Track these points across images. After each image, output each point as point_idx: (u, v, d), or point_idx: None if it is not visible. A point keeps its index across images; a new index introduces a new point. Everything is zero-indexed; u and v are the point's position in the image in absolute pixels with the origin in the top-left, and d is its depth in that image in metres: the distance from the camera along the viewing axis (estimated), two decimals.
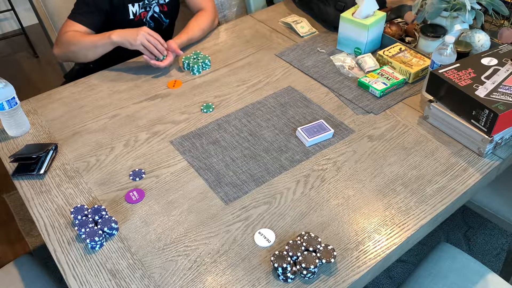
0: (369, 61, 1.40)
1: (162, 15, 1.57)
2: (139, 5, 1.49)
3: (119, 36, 1.33)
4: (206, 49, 1.55)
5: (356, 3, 1.44)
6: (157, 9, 1.54)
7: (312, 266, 0.85)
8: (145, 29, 1.33)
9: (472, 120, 1.09)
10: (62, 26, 1.42)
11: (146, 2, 1.50)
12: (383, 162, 1.11)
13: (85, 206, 0.98)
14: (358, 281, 0.88)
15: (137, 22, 1.52)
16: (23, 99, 1.33)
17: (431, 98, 1.19)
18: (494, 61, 1.17)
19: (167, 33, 1.63)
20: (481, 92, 1.07)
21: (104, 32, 1.36)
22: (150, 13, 1.53)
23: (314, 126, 1.19)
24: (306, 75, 1.41)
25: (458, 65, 1.16)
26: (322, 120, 1.21)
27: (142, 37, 1.32)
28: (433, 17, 1.39)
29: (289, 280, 0.86)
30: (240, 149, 1.15)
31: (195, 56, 1.46)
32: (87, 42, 1.37)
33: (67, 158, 1.15)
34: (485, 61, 1.18)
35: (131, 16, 1.49)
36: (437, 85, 1.14)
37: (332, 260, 0.86)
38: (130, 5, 1.47)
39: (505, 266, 1.49)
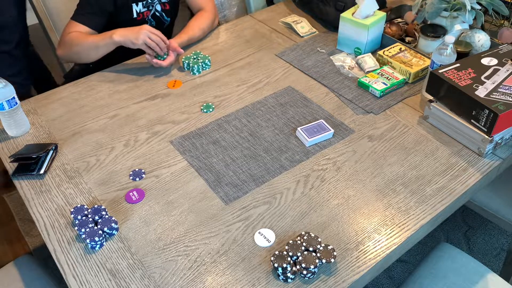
0: (369, 61, 1.40)
1: (163, 14, 1.57)
2: (142, 4, 1.49)
3: (121, 36, 1.33)
4: (206, 49, 1.55)
5: (356, 3, 1.44)
6: (159, 8, 1.54)
7: (312, 266, 0.85)
8: (146, 27, 1.33)
9: (472, 120, 1.09)
10: (65, 27, 1.43)
11: (149, 1, 1.50)
12: (383, 162, 1.11)
13: (85, 206, 0.98)
14: (358, 281, 0.88)
15: (139, 21, 1.52)
16: (23, 99, 1.33)
17: (431, 98, 1.19)
18: (494, 61, 1.17)
19: (167, 32, 1.63)
20: (481, 92, 1.07)
21: (105, 32, 1.36)
22: (152, 12, 1.54)
23: (314, 126, 1.19)
24: (306, 75, 1.41)
25: (458, 65, 1.16)
26: (322, 120, 1.21)
27: (144, 36, 1.32)
28: (433, 17, 1.39)
29: (289, 280, 0.86)
30: (240, 149, 1.15)
31: (195, 56, 1.46)
32: (89, 43, 1.37)
33: (67, 158, 1.15)
34: (485, 61, 1.18)
35: (135, 15, 1.49)
36: (437, 85, 1.14)
37: (332, 260, 0.86)
38: (134, 5, 1.48)
39: (505, 266, 1.49)
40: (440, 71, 1.14)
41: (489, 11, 1.37)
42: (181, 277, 0.88)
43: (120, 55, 1.46)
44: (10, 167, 1.13)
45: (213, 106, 1.29)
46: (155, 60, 1.38)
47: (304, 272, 0.85)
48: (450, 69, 1.14)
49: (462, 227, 1.86)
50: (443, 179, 1.06)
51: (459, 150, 1.13)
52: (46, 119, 1.28)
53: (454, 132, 1.15)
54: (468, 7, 1.30)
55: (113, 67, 1.47)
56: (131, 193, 1.05)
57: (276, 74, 1.42)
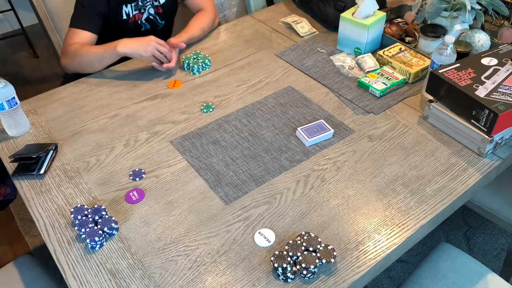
0: (369, 61, 1.40)
1: (157, 17, 1.57)
2: (131, 6, 1.48)
3: (128, 48, 1.33)
4: (206, 49, 1.55)
5: (356, 3, 1.44)
6: (152, 11, 1.54)
7: (312, 266, 0.85)
8: (153, 39, 1.34)
9: (472, 120, 1.09)
10: (66, 36, 1.41)
11: (140, 4, 1.49)
12: (383, 162, 1.11)
13: (85, 206, 0.98)
14: (358, 281, 0.88)
15: (132, 24, 1.51)
16: (23, 99, 1.33)
17: (431, 98, 1.19)
18: (494, 61, 1.17)
19: (163, 34, 1.63)
20: (481, 92, 1.07)
21: (109, 43, 1.35)
22: (145, 15, 1.53)
23: (314, 126, 1.19)
24: (306, 75, 1.41)
25: (458, 65, 1.16)
26: (322, 120, 1.21)
27: (152, 48, 1.33)
28: (433, 17, 1.39)
29: (289, 280, 0.86)
30: (240, 149, 1.15)
31: (195, 56, 1.46)
32: (93, 54, 1.37)
33: (67, 158, 1.15)
34: (485, 61, 1.18)
35: (124, 17, 1.48)
36: (437, 85, 1.14)
37: (332, 260, 0.86)
38: (124, 6, 1.47)
39: (505, 266, 1.49)
40: (440, 71, 1.14)
41: (489, 11, 1.37)
42: (181, 277, 0.88)
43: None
44: (10, 167, 1.13)
45: (213, 106, 1.29)
46: (165, 65, 1.38)
47: (304, 272, 0.85)
48: (450, 69, 1.14)
49: (462, 227, 1.86)
50: (443, 179, 1.06)
51: (459, 150, 1.13)
52: (46, 119, 1.28)
53: (454, 132, 1.15)
54: (468, 7, 1.30)
55: (113, 67, 1.47)
56: (131, 193, 1.05)
57: (276, 74, 1.42)
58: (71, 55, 1.39)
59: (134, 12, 1.50)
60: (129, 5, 1.48)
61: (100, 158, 1.15)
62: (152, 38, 1.34)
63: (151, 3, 1.52)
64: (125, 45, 1.33)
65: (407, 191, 1.03)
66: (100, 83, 1.41)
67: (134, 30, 1.53)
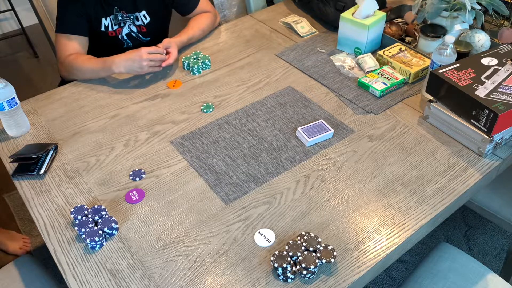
0: (369, 61, 1.40)
1: (140, 35, 1.54)
2: (111, 19, 1.45)
3: (123, 67, 1.32)
4: (206, 49, 1.55)
5: (356, 3, 1.44)
6: (134, 29, 1.51)
7: (312, 266, 0.85)
8: (144, 53, 1.31)
9: (472, 120, 1.09)
10: (58, 43, 1.40)
11: (120, 18, 1.46)
12: (383, 162, 1.11)
13: (85, 206, 0.98)
14: (358, 281, 0.88)
15: (112, 38, 1.49)
16: (23, 99, 1.33)
17: (431, 98, 1.19)
18: (494, 61, 1.17)
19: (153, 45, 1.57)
20: (481, 92, 1.07)
21: (105, 59, 1.34)
22: (125, 31, 1.50)
23: (314, 126, 1.19)
24: (306, 75, 1.41)
25: (458, 65, 1.16)
26: (322, 120, 1.21)
27: (147, 63, 1.32)
28: (433, 17, 1.39)
29: (289, 280, 0.86)
30: (240, 149, 1.15)
31: (195, 56, 1.46)
32: (90, 69, 1.37)
33: (67, 158, 1.15)
34: (485, 61, 1.18)
35: (103, 29, 1.46)
36: (437, 85, 1.14)
37: (332, 260, 0.86)
38: (103, 19, 1.45)
39: (505, 266, 1.49)
40: (440, 71, 1.14)
41: (489, 11, 1.37)
42: (181, 277, 0.88)
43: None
44: (10, 167, 1.13)
45: (213, 106, 1.29)
46: (163, 64, 1.36)
47: (304, 272, 0.85)
48: (450, 69, 1.14)
49: (462, 227, 1.86)
50: (443, 179, 1.06)
51: (459, 150, 1.13)
52: (46, 119, 1.28)
53: (454, 132, 1.15)
54: (468, 7, 1.30)
55: None
56: (131, 193, 1.05)
57: (276, 74, 1.42)
58: (68, 68, 1.39)
59: (115, 27, 1.47)
60: (108, 18, 1.45)
61: (100, 158, 1.15)
62: (143, 53, 1.31)
63: (131, 22, 1.49)
64: (120, 65, 1.32)
65: (407, 191, 1.03)
66: (100, 83, 1.41)
67: (116, 44, 1.51)
